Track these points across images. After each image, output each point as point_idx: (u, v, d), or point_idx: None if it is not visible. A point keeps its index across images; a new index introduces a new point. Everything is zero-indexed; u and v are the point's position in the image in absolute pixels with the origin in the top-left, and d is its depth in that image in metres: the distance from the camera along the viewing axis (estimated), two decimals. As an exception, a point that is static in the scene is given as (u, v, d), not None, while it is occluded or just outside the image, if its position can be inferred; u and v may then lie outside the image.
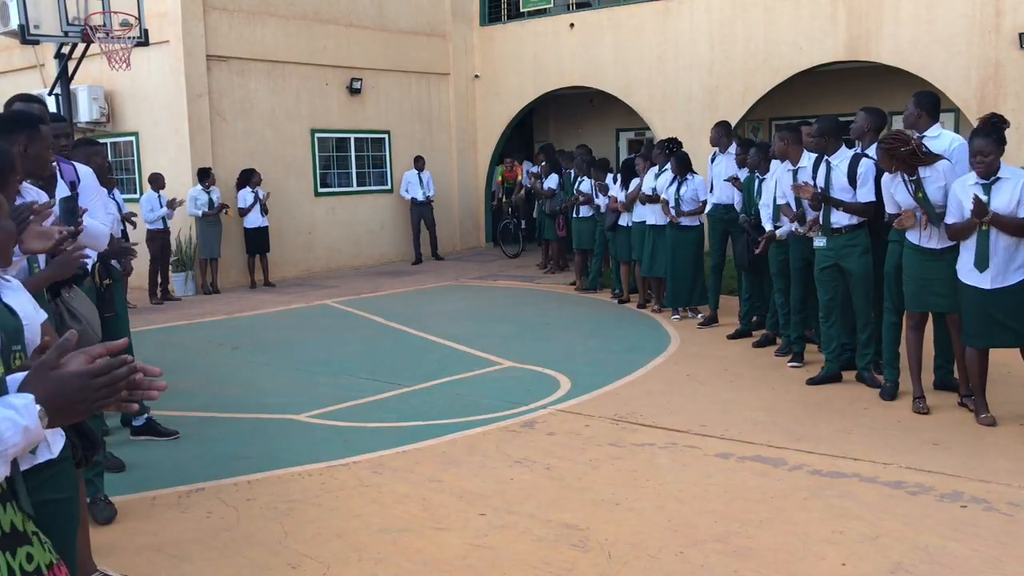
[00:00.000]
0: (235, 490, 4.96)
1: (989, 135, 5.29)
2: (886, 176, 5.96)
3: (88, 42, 10.68)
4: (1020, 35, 11.30)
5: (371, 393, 6.98)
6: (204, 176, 12.57)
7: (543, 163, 13.97)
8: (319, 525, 4.44)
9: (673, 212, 9.24)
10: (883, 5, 12.46)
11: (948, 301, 5.73)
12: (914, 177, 5.73)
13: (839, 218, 6.48)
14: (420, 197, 15.30)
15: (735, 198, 8.74)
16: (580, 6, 16.06)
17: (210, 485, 5.05)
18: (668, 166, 9.55)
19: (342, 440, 5.83)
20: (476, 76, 17.20)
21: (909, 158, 5.65)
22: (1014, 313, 5.33)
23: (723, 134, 9.33)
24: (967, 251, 5.46)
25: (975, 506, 4.41)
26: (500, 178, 16.96)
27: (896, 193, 5.84)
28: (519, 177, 16.32)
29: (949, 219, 5.55)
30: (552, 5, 16.31)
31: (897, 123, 14.45)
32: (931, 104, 6.14)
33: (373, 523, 4.45)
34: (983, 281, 5.38)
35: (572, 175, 12.41)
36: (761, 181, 8.09)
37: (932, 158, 5.69)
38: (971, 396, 5.84)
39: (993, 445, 5.31)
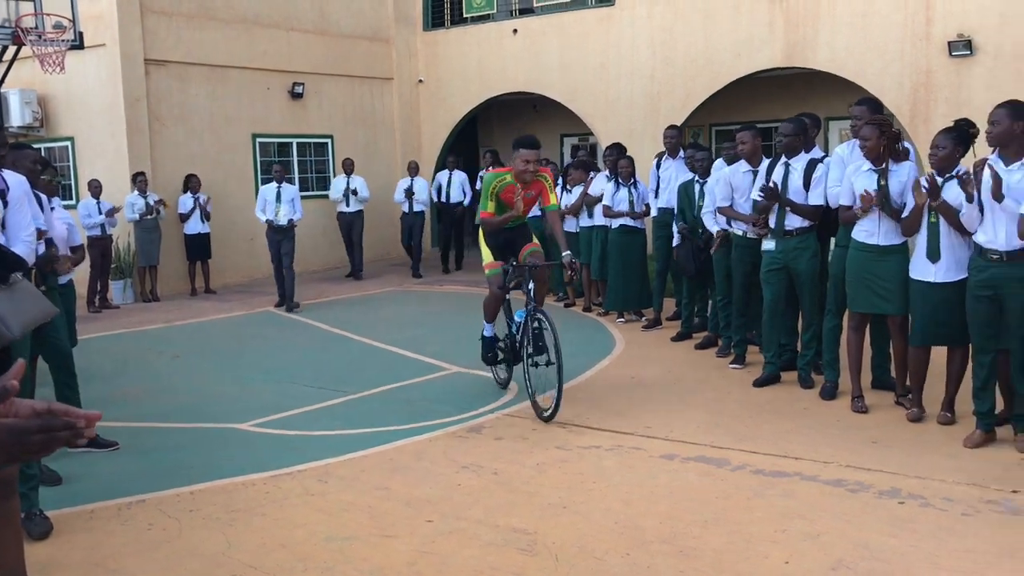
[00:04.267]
0: (177, 501, 4.87)
1: (949, 132, 5.50)
2: (850, 167, 6.12)
3: (19, 44, 10.42)
4: (949, 43, 11.63)
5: (316, 401, 6.91)
6: (136, 180, 12.32)
7: (494, 167, 13.98)
8: (264, 535, 4.38)
9: (627, 214, 9.36)
10: (819, 13, 12.73)
11: (890, 304, 5.87)
12: (882, 167, 5.89)
13: (792, 221, 6.60)
14: (345, 207, 14.12)
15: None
16: (523, 12, 16.13)
17: (151, 496, 4.95)
18: (612, 171, 9.66)
19: (287, 448, 5.77)
20: (420, 81, 17.16)
21: (890, 142, 5.86)
22: (957, 310, 5.48)
23: (677, 138, 9.44)
24: (918, 246, 5.60)
25: (912, 502, 4.52)
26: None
27: (858, 180, 5.97)
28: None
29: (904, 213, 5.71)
30: (495, 11, 16.36)
31: (834, 127, 14.78)
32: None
33: (319, 532, 4.40)
34: (933, 274, 5.53)
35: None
36: (703, 185, 8.22)
37: (905, 154, 5.95)
38: (907, 395, 5.99)
39: (928, 442, 5.45)
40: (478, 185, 14.35)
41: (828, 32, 12.69)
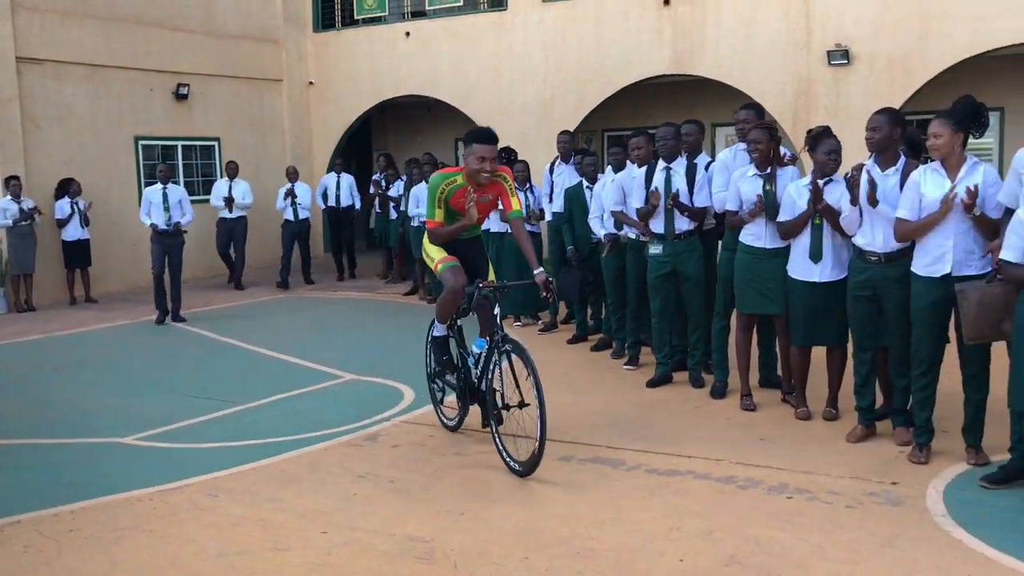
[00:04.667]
0: (56, 521, 4.63)
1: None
2: (736, 172, 6.27)
3: None
4: (828, 52, 12.12)
5: (204, 412, 6.69)
6: (8, 184, 11.71)
7: (388, 171, 13.83)
8: (151, 553, 4.20)
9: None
10: (705, 22, 13.08)
11: (777, 305, 6.05)
12: (767, 172, 6.05)
13: (680, 224, 6.73)
14: (228, 213, 13.50)
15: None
16: (416, 15, 16.05)
17: (27, 517, 4.68)
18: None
19: (174, 462, 5.56)
20: (311, 83, 16.88)
21: (775, 146, 6.06)
22: (836, 310, 5.69)
23: (570, 143, 9.56)
24: (799, 247, 5.78)
25: (799, 497, 4.66)
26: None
27: (744, 185, 6.12)
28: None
29: (781, 217, 5.87)
30: (387, 13, 16.23)
31: (720, 133, 15.19)
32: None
33: (209, 548, 4.26)
34: (815, 274, 5.71)
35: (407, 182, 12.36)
36: (589, 190, 8.32)
37: (790, 161, 6.21)
38: (793, 393, 6.19)
39: (814, 438, 5.64)
40: (370, 189, 14.19)
41: (714, 40, 13.05)
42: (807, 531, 4.23)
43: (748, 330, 6.40)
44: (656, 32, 13.47)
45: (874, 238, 5.29)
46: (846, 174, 5.36)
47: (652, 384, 6.98)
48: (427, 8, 15.76)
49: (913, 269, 5.05)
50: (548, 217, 9.44)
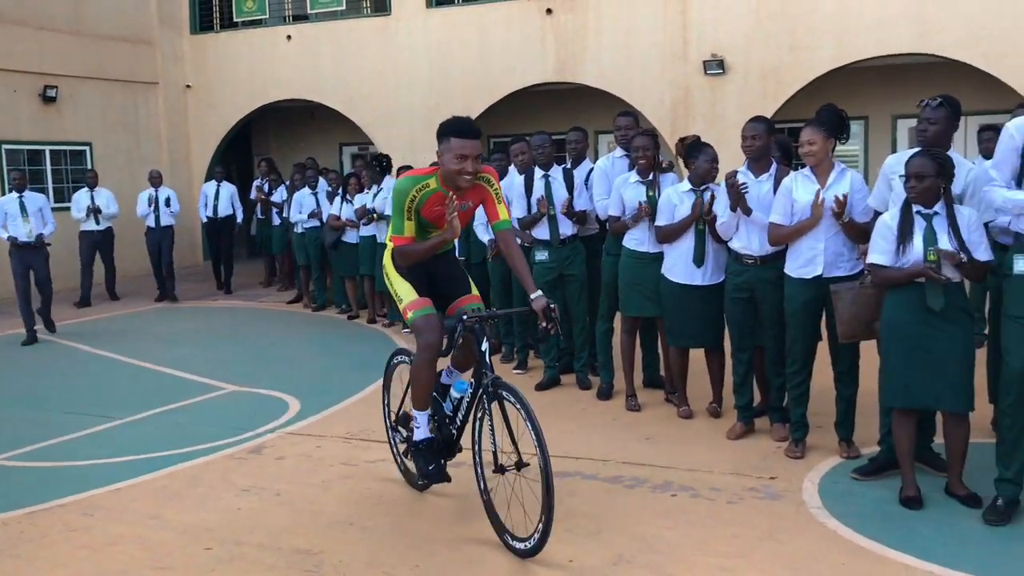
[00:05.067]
0: (-88, 550, 4.34)
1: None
2: (618, 179, 6.39)
3: None
4: (704, 62, 12.51)
5: (77, 428, 6.39)
6: None
7: (270, 176, 13.51)
8: (18, 579, 3.99)
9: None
10: (587, 31, 13.32)
11: (659, 307, 6.19)
12: (649, 178, 6.19)
13: (564, 228, 6.82)
14: (95, 225, 12.36)
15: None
16: (297, 18, 15.78)
17: None
18: (385, 181, 9.74)
19: (44, 482, 5.29)
20: (188, 86, 16.38)
21: (655, 152, 6.21)
22: (714, 313, 5.86)
23: None
24: (678, 251, 5.92)
25: (683, 494, 4.78)
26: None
27: (627, 192, 6.24)
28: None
29: (659, 221, 6.01)
30: (268, 16, 15.90)
31: (603, 141, 15.46)
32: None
33: (85, 570, 4.07)
34: (697, 278, 5.87)
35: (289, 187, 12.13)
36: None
37: (668, 168, 6.39)
38: (675, 392, 6.36)
39: (696, 436, 5.80)
40: (252, 195, 13.82)
41: (595, 49, 13.30)
42: (692, 527, 4.34)
43: (632, 332, 6.54)
44: (539, 40, 13.64)
45: (750, 242, 5.48)
46: (723, 181, 5.54)
47: (541, 387, 7.05)
48: (309, 12, 15.52)
49: (786, 271, 5.26)
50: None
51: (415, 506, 4.74)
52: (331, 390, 7.27)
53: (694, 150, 5.92)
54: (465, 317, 4.21)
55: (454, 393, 4.54)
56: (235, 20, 16.10)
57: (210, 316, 11.48)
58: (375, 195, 9.94)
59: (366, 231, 10.06)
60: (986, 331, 5.60)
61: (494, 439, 4.14)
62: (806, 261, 5.14)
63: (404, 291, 4.41)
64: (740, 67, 12.45)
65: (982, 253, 4.34)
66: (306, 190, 11.45)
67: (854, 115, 5.81)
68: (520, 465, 4.10)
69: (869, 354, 5.05)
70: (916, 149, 4.61)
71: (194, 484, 5.18)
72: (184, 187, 16.20)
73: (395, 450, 5.10)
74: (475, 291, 4.58)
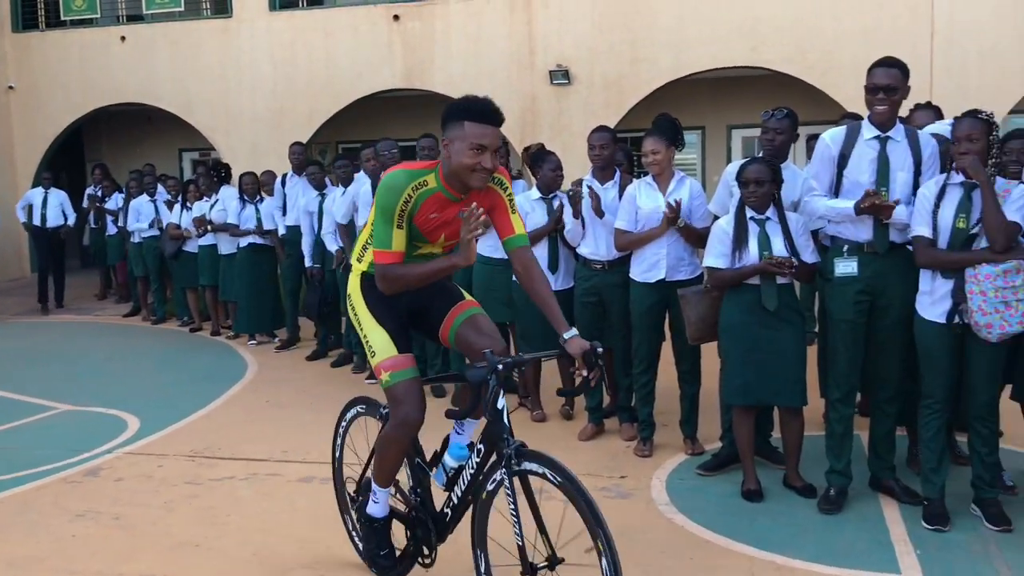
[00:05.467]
0: None
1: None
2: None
3: None
4: (550, 72, 12.76)
5: None
6: None
7: (104, 183, 12.79)
8: None
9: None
10: (435, 39, 13.34)
11: (507, 311, 6.25)
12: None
13: None
14: None
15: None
16: (132, 19, 15.09)
17: None
18: (223, 190, 9.51)
19: None
20: (11, 87, 15.37)
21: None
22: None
23: (302, 155, 9.38)
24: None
25: (538, 497, 4.82)
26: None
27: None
28: None
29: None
30: (99, 15, 15.13)
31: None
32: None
33: None
34: (553, 283, 5.92)
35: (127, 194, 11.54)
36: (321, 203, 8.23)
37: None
38: (528, 396, 6.44)
39: (549, 438, 5.85)
40: (84, 203, 13.09)
41: (443, 57, 13.34)
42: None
43: (490, 338, 6.56)
44: (387, 46, 13.56)
45: (598, 248, 5.62)
46: (568, 189, 5.67)
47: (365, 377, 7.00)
48: (144, 12, 14.87)
49: (631, 276, 5.43)
50: (282, 231, 9.19)
51: (266, 523, 4.60)
52: (173, 406, 6.97)
53: (538, 159, 6.04)
54: (500, 367, 3.06)
55: (449, 461, 3.50)
56: (63, 18, 15.22)
57: (39, 332, 10.79)
58: (212, 205, 9.63)
59: (205, 240, 9.73)
60: (816, 329, 5.95)
61: (519, 529, 3.07)
62: (650, 266, 5.32)
63: (378, 342, 3.35)
64: (584, 77, 12.76)
65: (809, 256, 4.62)
66: (144, 197, 10.95)
67: (691, 125, 6.09)
68: (553, 562, 3.03)
69: (710, 354, 5.26)
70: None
71: (23, 511, 4.85)
72: (8, 194, 15.17)
73: (349, 525, 4.06)
74: (468, 295, 3.65)
